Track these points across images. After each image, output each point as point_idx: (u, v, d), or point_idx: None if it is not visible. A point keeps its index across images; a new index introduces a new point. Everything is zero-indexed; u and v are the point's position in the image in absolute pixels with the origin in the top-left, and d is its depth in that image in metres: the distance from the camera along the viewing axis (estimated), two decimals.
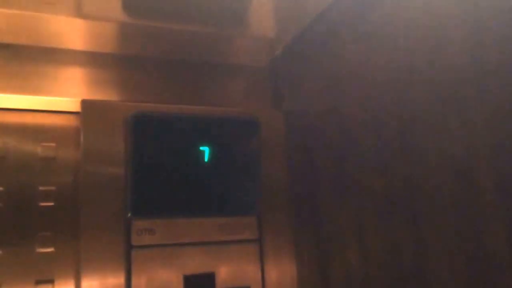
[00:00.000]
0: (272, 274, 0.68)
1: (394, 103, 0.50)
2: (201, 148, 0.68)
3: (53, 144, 0.70)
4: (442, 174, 0.43)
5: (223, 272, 0.65)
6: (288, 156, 0.71)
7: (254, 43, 0.75)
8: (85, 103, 0.67)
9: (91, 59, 0.70)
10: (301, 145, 0.70)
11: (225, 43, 0.74)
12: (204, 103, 0.71)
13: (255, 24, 0.73)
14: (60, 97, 0.68)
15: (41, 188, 0.68)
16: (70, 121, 0.71)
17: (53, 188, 0.68)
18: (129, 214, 0.65)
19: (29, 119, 0.69)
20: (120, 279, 0.63)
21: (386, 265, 0.51)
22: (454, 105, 0.42)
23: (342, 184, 0.60)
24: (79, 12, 0.69)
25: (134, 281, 0.64)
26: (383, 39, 0.52)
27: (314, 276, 0.66)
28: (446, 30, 0.43)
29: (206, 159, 0.68)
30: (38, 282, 0.65)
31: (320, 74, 0.66)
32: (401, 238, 0.48)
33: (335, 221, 0.61)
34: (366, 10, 0.56)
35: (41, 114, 0.69)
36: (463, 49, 0.41)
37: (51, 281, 0.66)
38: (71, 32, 0.70)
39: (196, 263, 0.65)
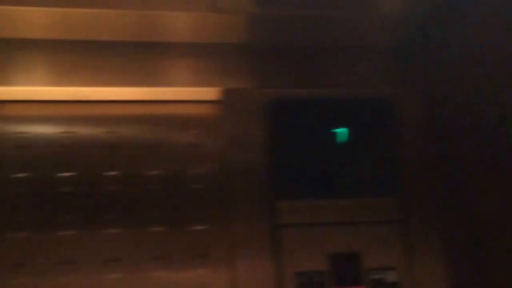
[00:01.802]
0: (419, 255, 0.67)
1: None
2: (339, 130, 0.69)
3: (197, 132, 0.75)
4: None
5: (367, 252, 0.66)
6: (427, 137, 0.69)
7: (382, 23, 0.73)
8: (225, 92, 0.71)
9: (228, 50, 0.74)
10: (442, 126, 0.68)
11: (354, 25, 0.73)
12: (337, 86, 0.72)
13: (383, 4, 0.72)
14: (201, 87, 0.73)
15: (190, 172, 0.74)
16: (212, 110, 0.75)
17: (201, 172, 0.74)
18: (274, 196, 0.68)
19: (176, 109, 0.76)
20: (268, 257, 0.67)
21: None
22: None
23: (495, 164, 0.56)
24: (213, 7, 0.73)
25: (281, 259, 0.67)
26: None
27: (466, 257, 0.63)
28: None
29: (344, 141, 0.68)
30: (195, 257, 0.71)
31: (459, 55, 0.62)
32: None
33: (488, 203, 0.59)
34: None
35: (186, 104, 0.75)
36: None
37: (207, 257, 0.71)
38: (208, 26, 0.74)
39: (339, 243, 0.67)
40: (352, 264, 0.66)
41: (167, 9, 0.71)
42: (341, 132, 0.68)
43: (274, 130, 0.68)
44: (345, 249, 0.67)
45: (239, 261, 0.67)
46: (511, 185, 0.53)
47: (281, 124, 0.68)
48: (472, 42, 0.58)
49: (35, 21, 0.70)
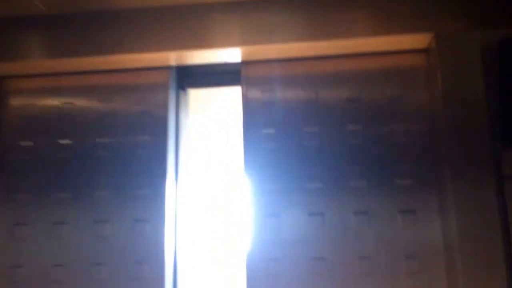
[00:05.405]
0: None
1: None
2: None
3: (400, 83, 0.71)
4: None
5: None
6: None
7: None
8: (438, 36, 0.65)
9: None
10: None
11: None
12: None
13: None
14: (408, 34, 0.67)
15: (392, 126, 0.70)
16: (417, 60, 0.71)
17: (405, 125, 0.70)
18: (499, 146, 0.61)
19: (377, 62, 0.72)
20: (492, 210, 0.61)
21: None
22: None
23: None
24: None
25: (508, 212, 0.60)
26: None
27: None
28: None
29: None
30: (401, 211, 0.68)
31: None
32: None
33: None
34: None
35: (391, 55, 0.71)
36: None
37: (413, 212, 0.68)
38: None
39: None
40: None
41: None
42: None
43: (500, 73, 0.61)
44: None
45: (454, 216, 0.62)
46: None
47: (508, 66, 0.61)
48: None
49: None
